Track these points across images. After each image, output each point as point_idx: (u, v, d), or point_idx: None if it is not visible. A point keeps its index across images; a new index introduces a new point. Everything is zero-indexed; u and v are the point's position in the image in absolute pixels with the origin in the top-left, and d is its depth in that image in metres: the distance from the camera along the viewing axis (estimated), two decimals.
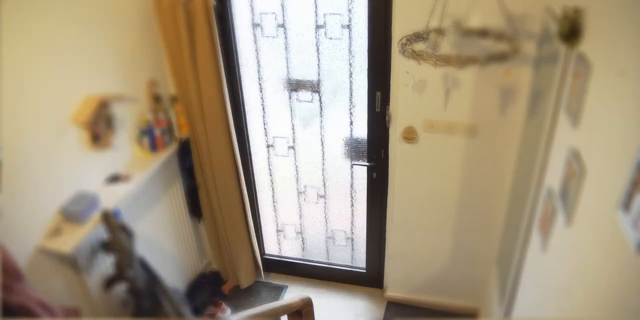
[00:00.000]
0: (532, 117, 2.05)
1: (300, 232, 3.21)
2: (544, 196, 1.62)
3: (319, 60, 2.54)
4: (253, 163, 2.98)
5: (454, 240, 2.72)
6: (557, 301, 1.35)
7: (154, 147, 2.55)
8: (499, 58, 1.63)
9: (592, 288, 1.08)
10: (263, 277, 3.31)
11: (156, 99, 2.56)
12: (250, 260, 3.14)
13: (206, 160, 2.72)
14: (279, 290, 3.23)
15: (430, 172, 2.52)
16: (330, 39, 2.46)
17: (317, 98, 2.66)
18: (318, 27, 2.44)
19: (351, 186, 2.91)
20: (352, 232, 3.10)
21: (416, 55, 1.66)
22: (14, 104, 1.77)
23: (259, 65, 2.64)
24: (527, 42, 1.98)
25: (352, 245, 3.16)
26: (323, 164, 2.89)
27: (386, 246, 2.98)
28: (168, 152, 2.60)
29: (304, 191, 3.02)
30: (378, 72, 2.42)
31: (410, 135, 2.42)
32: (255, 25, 2.52)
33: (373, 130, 2.61)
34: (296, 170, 2.95)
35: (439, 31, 1.84)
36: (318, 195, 3.01)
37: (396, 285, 3.02)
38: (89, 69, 2.13)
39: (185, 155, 2.78)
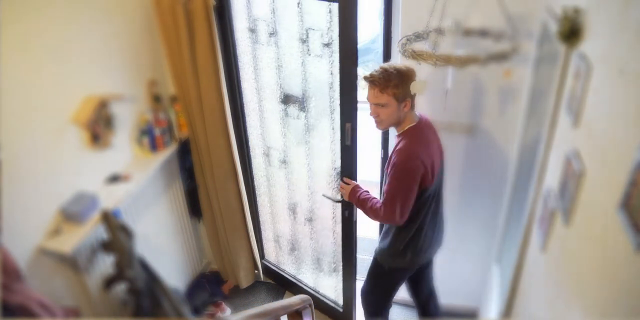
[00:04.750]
0: (532, 117, 2.05)
1: (294, 249, 3.07)
2: (544, 196, 1.62)
3: (304, 76, 2.35)
4: (252, 165, 2.97)
5: (454, 240, 2.71)
6: (556, 301, 1.35)
7: (154, 147, 2.55)
8: (499, 58, 1.64)
9: (592, 288, 1.08)
10: (262, 278, 3.31)
11: (156, 99, 2.56)
12: (250, 261, 3.14)
13: (206, 160, 2.72)
14: (279, 290, 3.23)
15: None
16: (314, 55, 2.25)
17: (303, 116, 2.48)
18: (302, 41, 2.26)
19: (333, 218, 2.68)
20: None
21: (416, 55, 1.67)
22: (14, 103, 1.77)
23: (255, 69, 2.59)
24: (527, 42, 1.98)
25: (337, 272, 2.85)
26: (309, 189, 2.70)
27: None
28: (168, 152, 2.60)
29: (294, 209, 2.88)
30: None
31: None
32: (251, 30, 2.47)
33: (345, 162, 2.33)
34: (288, 187, 2.81)
35: (439, 31, 1.84)
36: (305, 219, 2.85)
37: None
38: (89, 68, 2.13)
39: (185, 155, 2.78)
